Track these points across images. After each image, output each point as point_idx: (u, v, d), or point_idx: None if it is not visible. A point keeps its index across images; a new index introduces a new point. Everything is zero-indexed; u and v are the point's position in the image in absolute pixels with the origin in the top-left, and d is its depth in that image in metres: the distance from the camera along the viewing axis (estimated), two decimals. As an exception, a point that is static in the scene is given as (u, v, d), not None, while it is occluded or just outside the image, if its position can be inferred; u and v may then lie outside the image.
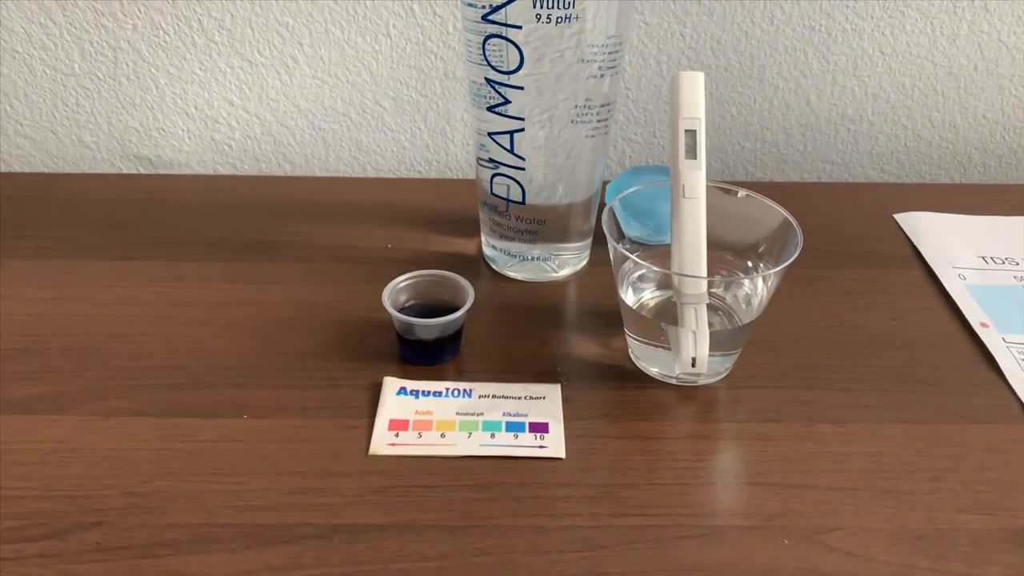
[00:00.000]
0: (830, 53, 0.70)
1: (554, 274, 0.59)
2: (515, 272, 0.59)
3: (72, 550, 0.41)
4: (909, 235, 0.65)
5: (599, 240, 0.55)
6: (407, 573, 0.40)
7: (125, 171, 0.75)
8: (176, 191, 0.69)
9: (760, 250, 0.51)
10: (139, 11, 0.68)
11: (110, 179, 0.72)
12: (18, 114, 0.72)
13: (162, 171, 0.75)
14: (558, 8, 0.48)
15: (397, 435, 0.47)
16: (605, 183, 0.60)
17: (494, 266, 0.60)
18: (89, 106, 0.72)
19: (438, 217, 0.65)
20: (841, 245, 0.63)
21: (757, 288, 0.50)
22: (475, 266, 0.60)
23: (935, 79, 0.72)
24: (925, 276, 0.61)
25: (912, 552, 0.41)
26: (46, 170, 0.75)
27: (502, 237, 0.58)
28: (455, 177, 0.75)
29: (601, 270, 0.57)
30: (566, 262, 0.59)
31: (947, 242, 0.64)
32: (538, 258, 0.58)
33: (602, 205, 0.56)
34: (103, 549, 0.41)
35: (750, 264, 0.51)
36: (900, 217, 0.67)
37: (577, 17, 0.49)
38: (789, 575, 0.40)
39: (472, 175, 0.58)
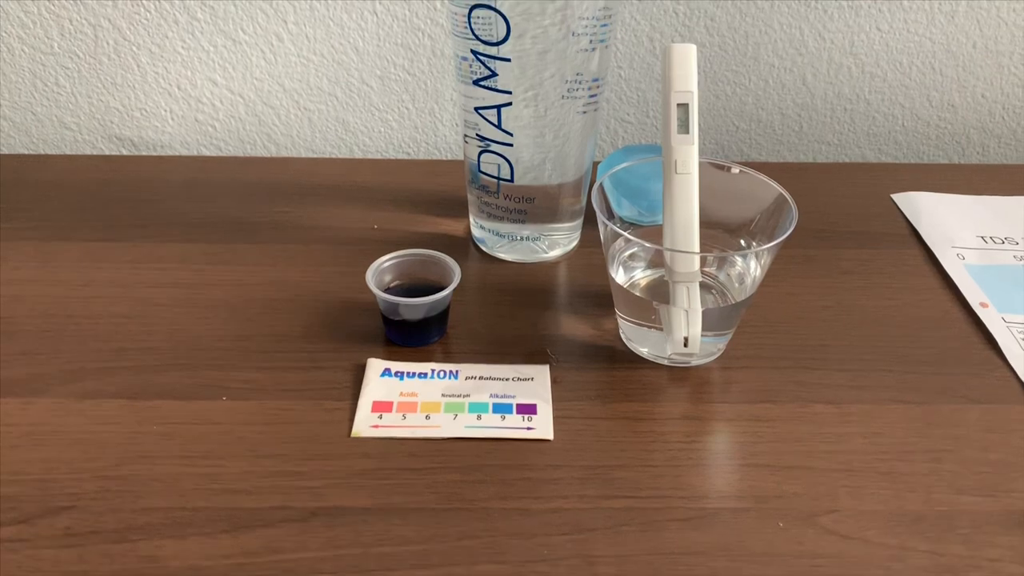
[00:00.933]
0: (826, 30, 0.69)
1: (544, 255, 0.58)
2: (504, 253, 0.58)
3: (42, 535, 0.39)
4: (907, 215, 0.63)
5: (590, 220, 0.54)
6: (389, 557, 0.39)
7: (107, 152, 0.73)
8: (159, 172, 0.68)
9: (753, 227, 0.49)
10: (119, -12, 0.66)
11: (92, 160, 0.71)
12: (-3, 94, 0.71)
13: (145, 152, 0.73)
14: (545, -24, 0.46)
15: (380, 417, 0.46)
16: (596, 163, 0.59)
17: (483, 247, 0.59)
18: (69, 86, 0.70)
19: (426, 198, 0.64)
20: (838, 226, 0.62)
21: (750, 266, 0.48)
22: (464, 247, 0.59)
23: (933, 57, 0.70)
24: (923, 256, 0.59)
25: (910, 534, 0.40)
26: (26, 151, 0.73)
27: (491, 217, 0.57)
28: (444, 158, 0.73)
29: (592, 250, 0.56)
30: (556, 242, 0.58)
31: (945, 222, 0.62)
32: (528, 238, 0.57)
33: (593, 184, 0.55)
34: (74, 534, 0.39)
35: (743, 242, 0.50)
36: (898, 197, 0.65)
37: (565, -14, 0.47)
38: (784, 558, 0.39)
39: (461, 155, 0.57)
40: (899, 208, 0.64)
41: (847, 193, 0.66)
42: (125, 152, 0.73)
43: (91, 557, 0.38)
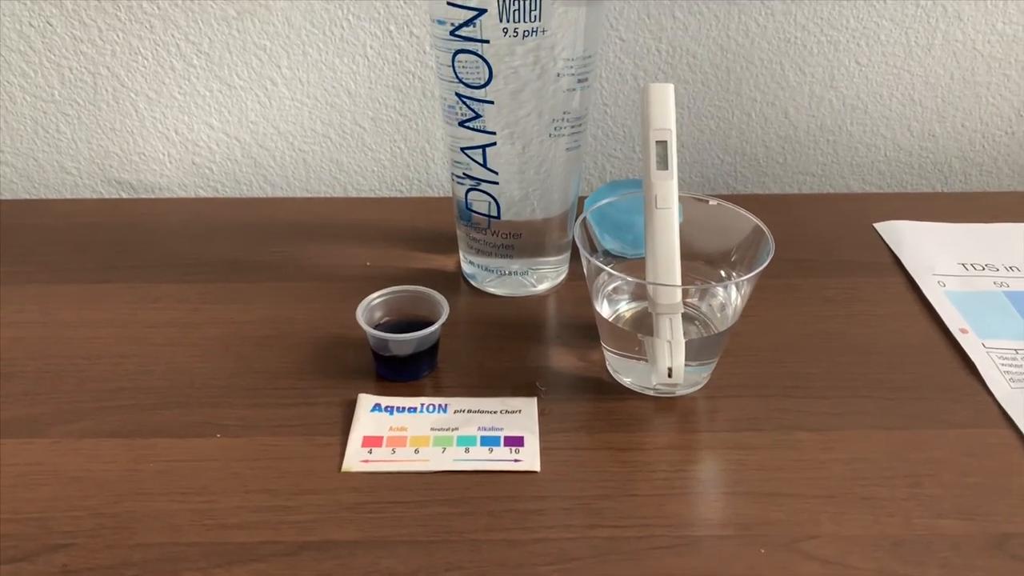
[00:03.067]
0: (806, 65, 0.70)
1: (533, 288, 0.59)
2: (494, 288, 0.59)
3: (41, 572, 0.40)
4: (889, 243, 0.64)
5: (578, 254, 0.55)
6: (377, 589, 0.39)
7: (106, 196, 0.75)
8: (157, 215, 0.69)
9: (733, 258, 0.50)
10: (117, 37, 0.68)
11: (91, 204, 0.72)
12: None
13: (143, 195, 0.74)
14: (524, 22, 0.48)
15: (370, 451, 0.46)
16: (583, 198, 0.60)
17: (473, 282, 0.60)
18: (70, 132, 0.72)
19: (418, 235, 0.65)
20: (821, 255, 0.63)
21: (731, 296, 0.49)
22: (454, 283, 0.60)
23: (912, 89, 0.72)
24: (905, 284, 0.60)
25: (891, 559, 0.41)
26: (28, 196, 0.74)
27: (480, 253, 0.58)
28: (435, 195, 0.75)
29: (580, 283, 0.57)
30: (544, 276, 0.59)
31: (927, 249, 0.63)
32: (516, 273, 0.58)
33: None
34: (71, 571, 0.40)
35: (723, 273, 0.51)
36: (880, 226, 0.66)
37: (544, 31, 0.48)
38: (765, 584, 0.40)
39: (451, 192, 0.58)
40: (881, 237, 0.65)
41: (830, 223, 0.67)
42: (124, 195, 0.75)
43: (86, 594, 0.39)
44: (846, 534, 0.42)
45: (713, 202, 0.52)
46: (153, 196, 0.75)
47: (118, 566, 0.40)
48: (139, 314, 0.57)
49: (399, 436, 0.47)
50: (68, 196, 0.75)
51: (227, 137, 0.72)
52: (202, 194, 0.75)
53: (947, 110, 0.73)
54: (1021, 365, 0.52)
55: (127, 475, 0.45)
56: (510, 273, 0.58)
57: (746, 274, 0.47)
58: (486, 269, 0.59)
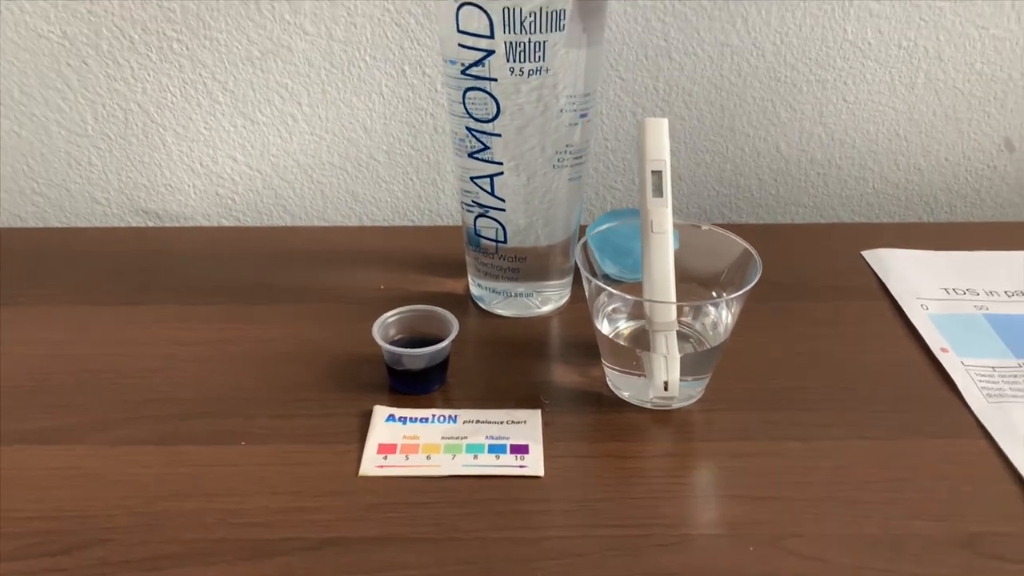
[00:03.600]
0: (796, 102, 0.74)
1: (538, 309, 0.62)
2: (501, 309, 0.63)
3: (80, 564, 0.43)
4: (876, 270, 0.68)
5: (580, 278, 0.59)
6: (393, 580, 0.42)
7: (134, 224, 0.79)
8: (182, 242, 0.73)
9: (723, 279, 0.54)
10: (148, 75, 0.72)
11: (120, 232, 0.76)
12: (35, 173, 0.76)
13: (169, 224, 0.79)
14: (529, 62, 0.52)
15: (385, 458, 0.50)
16: (584, 226, 0.64)
17: (481, 304, 0.63)
18: (101, 164, 0.76)
19: (429, 261, 0.69)
20: (812, 281, 0.66)
21: (722, 315, 0.53)
22: (463, 304, 0.64)
23: (897, 125, 0.76)
24: (890, 307, 0.64)
25: (867, 555, 0.44)
26: (59, 225, 0.79)
27: (487, 276, 0.62)
28: (445, 224, 0.79)
29: (582, 305, 0.60)
30: (548, 298, 0.63)
31: (911, 276, 0.67)
32: (522, 295, 0.62)
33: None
34: (108, 563, 0.43)
35: (715, 293, 0.54)
36: (867, 254, 0.70)
37: (547, 70, 0.53)
38: (752, 577, 0.43)
39: (460, 221, 0.62)
40: (869, 264, 0.69)
41: (820, 251, 0.71)
42: (151, 224, 0.79)
43: (124, 583, 0.42)
44: (826, 533, 0.45)
45: (705, 227, 0.55)
46: (178, 225, 0.79)
47: (152, 559, 0.43)
48: (167, 333, 0.61)
49: (412, 444, 0.51)
50: (98, 225, 0.79)
51: (249, 169, 0.76)
52: (225, 223, 0.79)
53: (931, 145, 0.77)
54: (997, 381, 0.56)
55: (159, 478, 0.48)
56: (516, 295, 0.62)
57: (735, 293, 0.51)
58: (493, 291, 0.62)
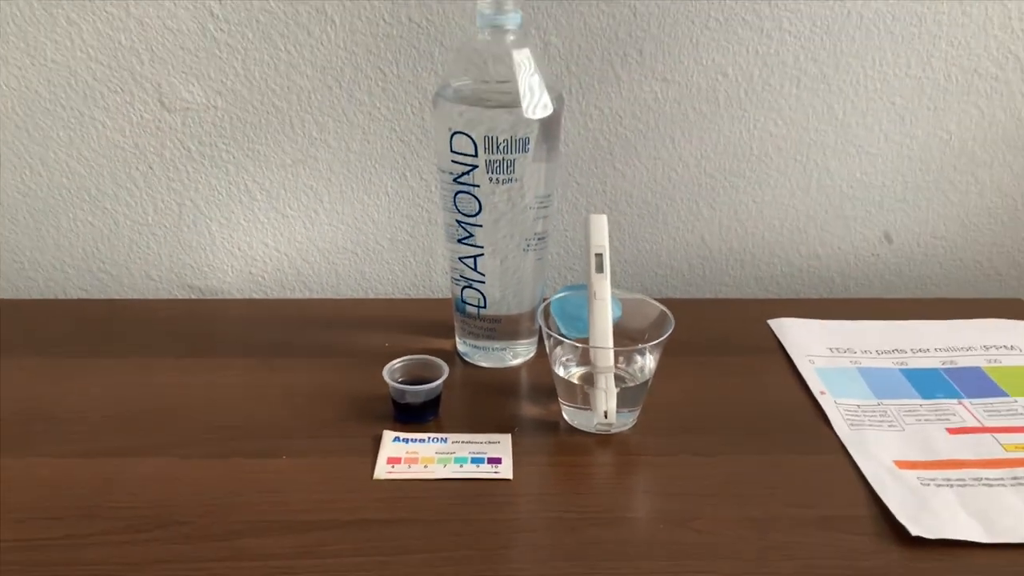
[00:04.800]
0: (715, 202, 0.91)
1: (511, 361, 0.78)
2: (482, 361, 0.78)
3: (168, 537, 0.57)
4: (777, 334, 0.84)
5: (543, 338, 0.74)
6: (401, 548, 0.57)
7: (180, 297, 0.94)
8: (220, 311, 0.88)
9: (647, 335, 0.70)
10: (201, 177, 0.89)
11: (169, 303, 0.91)
12: (101, 255, 0.92)
13: (208, 297, 0.94)
14: (503, 174, 0.69)
15: (393, 467, 0.64)
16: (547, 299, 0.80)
17: (466, 358, 0.79)
18: (157, 248, 0.92)
19: (423, 325, 0.84)
20: (725, 341, 0.82)
21: (647, 359, 0.68)
22: (451, 358, 0.78)
23: (797, 221, 0.93)
24: (785, 362, 0.79)
25: (748, 531, 0.58)
26: (118, 297, 0.94)
27: (471, 335, 0.77)
28: (436, 297, 0.94)
29: (544, 359, 0.76)
30: (519, 353, 0.78)
31: (804, 338, 0.83)
32: (498, 350, 0.77)
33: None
34: (189, 537, 0.57)
35: (641, 344, 0.70)
36: (772, 322, 0.86)
37: (517, 179, 0.69)
38: (663, 545, 0.57)
39: (449, 295, 0.78)
40: (772, 330, 0.85)
41: (735, 319, 0.86)
42: (194, 296, 0.94)
43: (203, 550, 0.56)
44: (719, 517, 0.60)
45: (636, 296, 0.72)
46: (216, 297, 0.94)
47: (220, 533, 0.57)
48: (215, 378, 0.75)
49: (413, 457, 0.65)
50: (150, 297, 0.94)
51: (278, 253, 0.92)
52: (255, 296, 0.94)
53: (826, 237, 0.94)
54: (859, 415, 0.71)
55: (222, 481, 0.62)
56: (493, 350, 0.77)
57: (654, 341, 0.66)
58: (475, 347, 0.78)
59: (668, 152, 0.89)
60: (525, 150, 0.68)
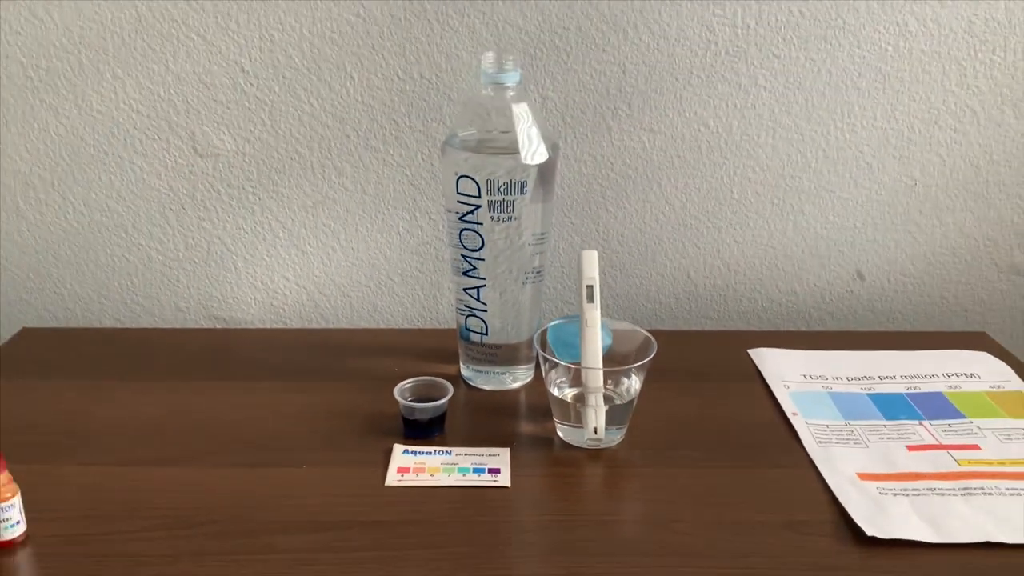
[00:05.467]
0: (700, 242, 0.98)
1: (510, 384, 0.84)
2: (484, 384, 0.84)
3: (198, 534, 0.63)
4: (756, 362, 0.90)
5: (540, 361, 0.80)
6: (411, 543, 0.62)
7: (206, 326, 1.00)
8: (243, 340, 0.95)
9: (633, 358, 0.76)
10: (229, 217, 0.95)
11: (195, 332, 0.98)
12: (135, 288, 0.98)
13: (233, 327, 1.00)
14: (503, 213, 0.75)
15: (402, 476, 0.70)
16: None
17: (470, 382, 0.85)
18: (186, 281, 0.98)
19: (430, 352, 0.90)
20: (707, 368, 0.88)
21: (632, 381, 0.74)
22: (456, 382, 0.84)
23: (776, 260, 0.99)
24: (762, 387, 0.85)
25: (720, 532, 0.64)
26: (149, 326, 1.00)
27: (473, 360, 0.83)
28: (443, 327, 1.00)
29: (541, 382, 0.82)
30: (518, 377, 0.84)
31: (781, 366, 0.89)
32: (498, 373, 0.83)
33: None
34: (218, 534, 0.63)
35: (627, 366, 0.76)
36: (751, 351, 0.92)
37: (516, 218, 0.76)
38: (647, 544, 0.63)
39: (455, 325, 0.84)
40: (752, 358, 0.91)
41: (717, 349, 0.92)
42: (219, 326, 1.00)
43: (229, 545, 0.62)
44: (699, 519, 0.65)
45: (625, 326, 0.78)
46: (240, 327, 1.00)
47: (249, 532, 0.63)
48: (240, 400, 0.81)
49: (420, 467, 0.71)
50: (178, 326, 1.00)
51: (297, 287, 0.99)
52: (275, 326, 1.00)
53: (802, 275, 1.00)
54: (828, 434, 0.77)
55: (248, 487, 0.68)
56: (494, 374, 0.83)
57: (640, 363, 0.72)
58: (478, 371, 0.84)
59: (656, 196, 0.96)
60: (523, 192, 0.75)
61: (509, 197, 0.75)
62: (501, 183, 0.74)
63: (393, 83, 0.90)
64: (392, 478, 0.70)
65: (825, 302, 1.01)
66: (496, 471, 0.71)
